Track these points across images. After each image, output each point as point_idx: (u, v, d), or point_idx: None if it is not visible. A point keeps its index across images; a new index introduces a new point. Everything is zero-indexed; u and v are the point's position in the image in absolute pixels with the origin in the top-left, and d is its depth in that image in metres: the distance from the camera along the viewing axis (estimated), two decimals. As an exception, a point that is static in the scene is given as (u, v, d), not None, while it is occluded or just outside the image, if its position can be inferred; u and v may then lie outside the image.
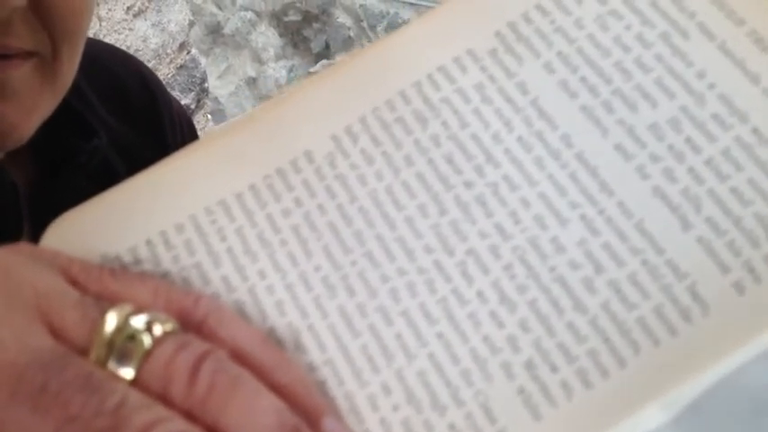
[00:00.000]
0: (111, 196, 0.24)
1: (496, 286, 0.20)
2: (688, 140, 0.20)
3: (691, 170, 0.20)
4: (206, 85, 1.17)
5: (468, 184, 0.22)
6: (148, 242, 0.22)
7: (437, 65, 0.23)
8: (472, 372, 0.19)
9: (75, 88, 0.38)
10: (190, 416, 0.17)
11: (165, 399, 0.17)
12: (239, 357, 0.19)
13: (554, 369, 0.19)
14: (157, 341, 0.18)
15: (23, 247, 0.20)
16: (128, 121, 0.52)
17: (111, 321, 0.18)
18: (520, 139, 0.22)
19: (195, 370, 0.17)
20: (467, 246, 0.21)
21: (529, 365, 0.19)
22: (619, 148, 0.21)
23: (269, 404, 0.17)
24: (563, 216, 0.21)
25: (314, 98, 0.24)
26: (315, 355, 0.20)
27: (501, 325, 0.20)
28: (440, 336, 0.20)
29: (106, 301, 0.19)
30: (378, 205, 0.22)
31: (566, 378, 0.19)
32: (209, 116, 1.22)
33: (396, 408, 0.19)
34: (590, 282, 0.20)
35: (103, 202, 0.24)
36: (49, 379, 0.16)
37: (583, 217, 0.20)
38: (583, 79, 0.22)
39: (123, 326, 0.18)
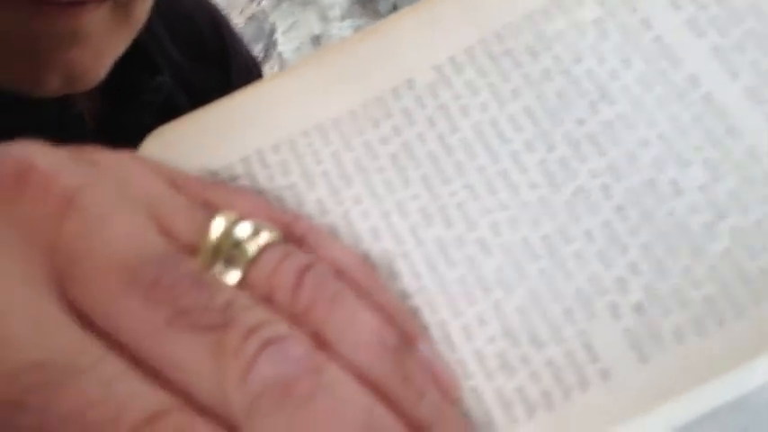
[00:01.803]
0: (208, 112, 0.24)
1: (607, 227, 0.19)
2: None
3: None
4: (275, 37, 1.17)
5: (580, 121, 0.21)
6: (244, 160, 0.22)
7: None
8: (575, 310, 0.19)
9: (147, 26, 0.38)
10: (292, 324, 0.16)
11: (268, 305, 0.16)
12: (336, 275, 0.18)
13: (665, 312, 0.18)
14: (263, 249, 0.17)
15: (130, 152, 0.20)
16: (197, 61, 0.52)
17: (218, 227, 0.17)
18: (640, 77, 0.21)
19: (299, 280, 0.17)
20: (575, 184, 0.20)
21: (638, 308, 0.18)
22: (750, 91, 0.19)
23: (369, 321, 0.17)
24: (684, 158, 0.19)
25: (417, 26, 0.23)
26: (409, 283, 0.20)
27: (609, 266, 0.19)
28: (542, 272, 0.19)
29: (212, 208, 0.18)
30: (481, 137, 0.21)
31: (677, 323, 0.18)
32: (276, 69, 1.22)
33: (491, 340, 0.19)
34: (710, 227, 0.19)
35: (201, 118, 0.23)
36: (163, 273, 0.16)
37: (706, 161, 0.19)
38: (713, 18, 0.21)
39: (230, 232, 0.17)
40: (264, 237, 0.17)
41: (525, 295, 0.19)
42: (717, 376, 0.17)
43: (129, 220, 0.16)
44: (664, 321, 0.18)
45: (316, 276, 0.17)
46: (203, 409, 0.15)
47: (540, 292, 0.19)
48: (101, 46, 0.34)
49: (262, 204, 0.20)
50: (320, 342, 0.16)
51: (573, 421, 0.18)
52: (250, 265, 0.17)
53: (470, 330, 0.19)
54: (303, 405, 0.15)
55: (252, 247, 0.17)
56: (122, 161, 0.18)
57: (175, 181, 0.19)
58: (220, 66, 0.54)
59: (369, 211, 0.21)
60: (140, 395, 0.14)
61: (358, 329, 0.17)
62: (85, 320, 0.15)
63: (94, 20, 0.33)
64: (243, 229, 0.17)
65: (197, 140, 0.23)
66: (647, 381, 0.18)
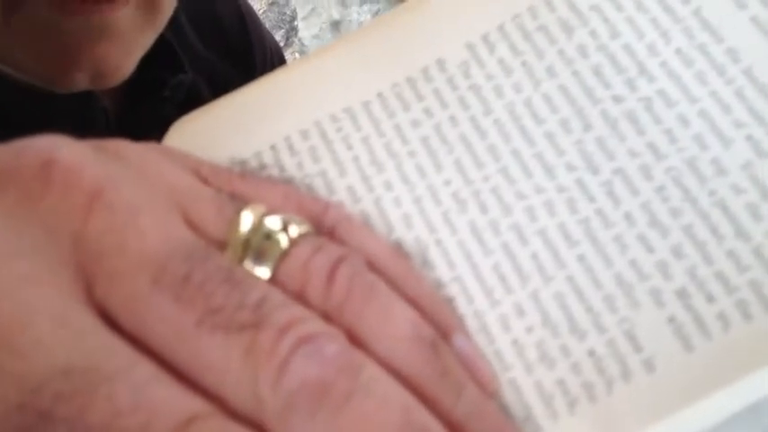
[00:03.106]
0: (234, 99, 0.23)
1: (647, 209, 0.19)
2: None
3: None
4: (295, 23, 1.17)
5: (618, 99, 0.20)
6: (273, 147, 0.22)
7: None
8: (616, 297, 0.18)
9: (171, 20, 0.38)
10: (326, 319, 0.16)
11: (301, 301, 0.16)
12: (369, 267, 0.18)
13: (710, 299, 0.17)
14: (293, 242, 0.17)
15: (154, 144, 0.19)
16: (221, 53, 0.52)
17: (247, 220, 0.17)
18: (679, 51, 0.20)
19: (332, 273, 0.16)
20: (614, 165, 0.19)
21: (681, 294, 0.18)
22: None
23: (404, 315, 0.17)
24: (726, 136, 0.19)
25: (449, 4, 0.23)
26: (443, 272, 0.19)
27: (651, 250, 0.18)
28: (581, 258, 0.19)
29: (240, 201, 0.18)
30: (515, 119, 0.21)
31: (723, 309, 0.17)
32: (297, 55, 1.21)
33: (529, 330, 0.18)
34: (755, 208, 0.18)
35: (226, 106, 0.23)
36: (193, 269, 0.15)
37: (749, 138, 0.18)
38: None
39: (259, 225, 0.17)
40: (294, 230, 0.17)
41: (564, 283, 0.18)
42: (766, 364, 0.16)
43: (155, 215, 0.16)
44: (709, 308, 0.17)
45: (348, 269, 0.16)
46: (237, 414, 0.14)
47: (579, 279, 0.18)
48: (129, 42, 0.34)
49: (291, 194, 0.19)
50: (355, 338, 0.16)
51: (616, 414, 0.17)
52: (280, 259, 0.16)
53: (507, 320, 0.18)
54: (340, 407, 0.14)
55: (284, 240, 0.17)
56: (147, 153, 0.18)
57: (201, 172, 0.19)
58: (244, 59, 0.54)
59: (401, 197, 0.21)
60: (171, 402, 0.14)
61: (393, 323, 0.16)
62: (113, 322, 0.15)
63: (123, 16, 0.33)
64: (272, 223, 0.17)
65: (222, 129, 0.22)
66: (693, 371, 0.17)
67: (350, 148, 0.21)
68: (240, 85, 0.23)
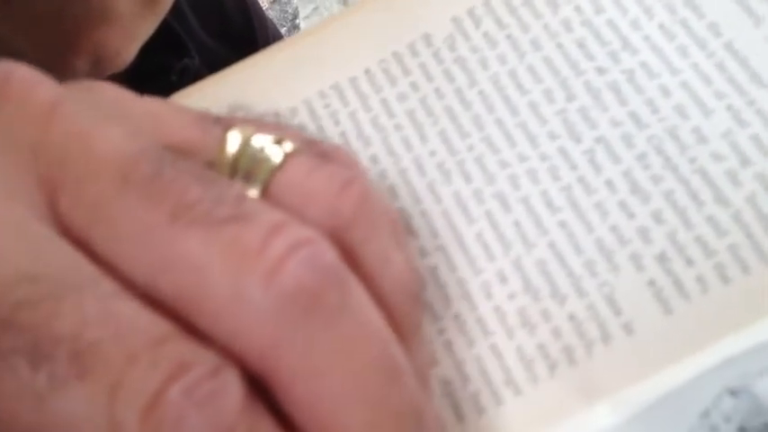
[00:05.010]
0: (223, 78, 0.23)
1: (628, 176, 0.19)
2: None
3: None
4: (297, 21, 1.17)
5: (601, 71, 0.20)
6: None
7: None
8: (597, 262, 0.18)
9: (174, 8, 0.38)
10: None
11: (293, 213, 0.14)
12: None
13: (689, 262, 0.18)
14: (289, 156, 0.15)
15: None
16: (224, 41, 0.52)
17: (235, 140, 0.15)
18: (661, 26, 0.20)
19: (346, 186, 0.14)
20: (596, 133, 0.20)
21: (661, 258, 0.18)
22: None
23: (403, 261, 0.15)
24: (707, 106, 0.19)
25: None
26: (427, 241, 0.20)
27: (631, 216, 0.18)
28: (562, 224, 0.19)
29: (226, 122, 0.16)
30: (499, 89, 0.21)
31: (702, 272, 0.17)
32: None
33: (511, 296, 0.19)
34: (734, 174, 0.18)
35: (216, 84, 0.23)
36: (163, 167, 0.13)
37: (729, 108, 0.19)
38: None
39: (248, 143, 0.15)
40: (289, 145, 0.15)
41: (545, 249, 0.19)
42: (742, 325, 0.17)
43: (127, 126, 0.14)
44: (688, 271, 0.17)
45: (360, 188, 0.14)
46: (207, 323, 0.13)
47: (560, 245, 0.19)
48: (130, 27, 0.34)
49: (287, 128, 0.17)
50: (351, 261, 0.14)
51: (596, 377, 0.17)
52: (272, 174, 0.14)
53: (490, 287, 0.19)
54: (330, 321, 0.13)
55: (275, 155, 0.15)
56: (117, 88, 0.16)
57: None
58: (247, 47, 0.54)
59: (387, 170, 0.21)
60: (140, 319, 0.12)
61: (393, 264, 0.15)
62: (78, 239, 0.14)
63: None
64: (263, 139, 0.15)
65: (212, 107, 0.23)
66: (671, 333, 0.17)
67: (337, 123, 0.22)
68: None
